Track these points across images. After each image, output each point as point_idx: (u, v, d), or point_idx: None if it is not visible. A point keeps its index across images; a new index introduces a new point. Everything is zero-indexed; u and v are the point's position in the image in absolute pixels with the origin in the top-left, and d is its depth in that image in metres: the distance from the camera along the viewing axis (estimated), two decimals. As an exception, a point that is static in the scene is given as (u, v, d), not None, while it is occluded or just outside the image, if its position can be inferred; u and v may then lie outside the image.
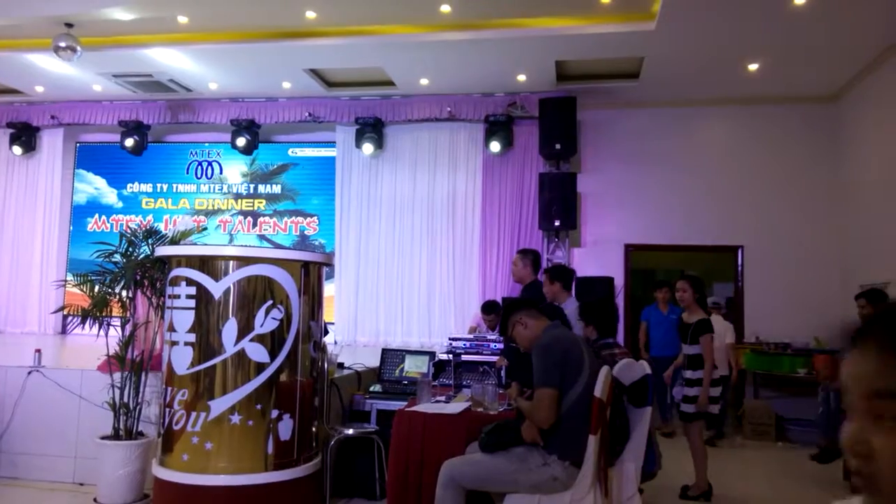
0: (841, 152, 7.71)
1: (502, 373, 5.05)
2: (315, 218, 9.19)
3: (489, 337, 5.75)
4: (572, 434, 2.95)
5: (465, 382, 4.92)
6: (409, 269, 8.59)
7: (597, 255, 8.20)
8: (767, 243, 7.82)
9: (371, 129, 8.58)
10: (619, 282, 7.94)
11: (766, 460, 5.43)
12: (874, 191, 6.95)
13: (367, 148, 8.62)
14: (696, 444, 4.76)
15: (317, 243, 9.13)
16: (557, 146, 7.75)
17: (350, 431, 4.38)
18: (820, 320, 7.36)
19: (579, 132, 8.14)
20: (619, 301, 7.64)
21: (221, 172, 9.45)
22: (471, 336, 5.84)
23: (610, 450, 3.20)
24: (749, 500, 4.85)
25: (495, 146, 8.25)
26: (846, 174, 7.62)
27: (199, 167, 9.49)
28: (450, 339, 5.88)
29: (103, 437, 4.30)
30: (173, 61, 7.72)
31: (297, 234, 9.21)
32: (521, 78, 7.83)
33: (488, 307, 6.43)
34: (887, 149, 6.67)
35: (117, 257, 4.54)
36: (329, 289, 8.61)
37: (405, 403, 3.86)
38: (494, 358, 5.32)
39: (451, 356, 5.29)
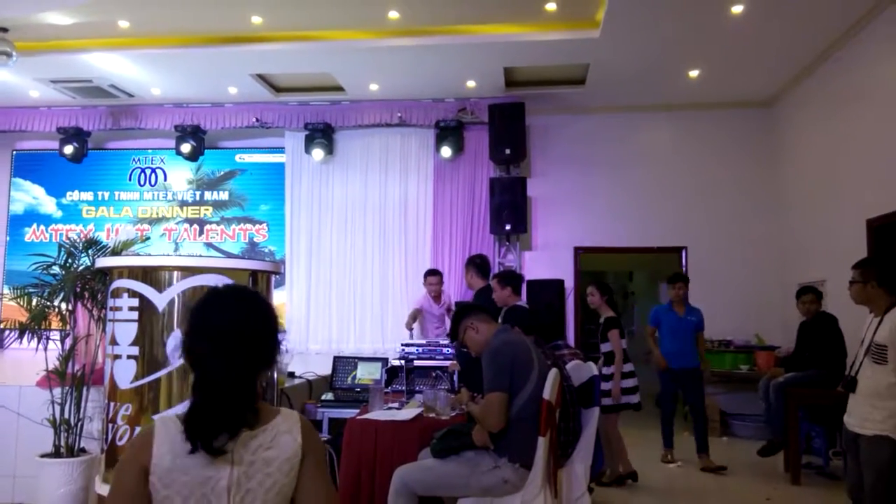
0: (778, 155, 8.02)
1: (455, 377, 5.08)
2: (264, 225, 9.06)
3: (441, 342, 5.77)
4: (522, 437, 2.99)
5: (417, 388, 4.92)
6: (362, 276, 8.55)
7: (547, 258, 8.32)
8: (710, 244, 8.07)
9: (321, 134, 8.51)
10: (570, 284, 8.07)
11: (711, 452, 5.61)
12: (809, 192, 7.25)
13: (317, 153, 8.55)
14: (611, 433, 5.15)
15: (266, 250, 8.99)
16: (507, 151, 7.84)
17: (302, 441, 4.33)
18: (760, 318, 7.64)
19: (528, 137, 8.26)
20: (570, 302, 7.77)
21: (166, 179, 9.22)
22: (423, 341, 5.86)
23: (561, 451, 3.25)
24: (698, 491, 5.00)
25: (446, 151, 8.30)
26: (783, 176, 7.93)
27: (143, 174, 9.24)
28: (402, 344, 5.89)
29: (43, 455, 4.14)
30: (114, 67, 7.51)
31: (246, 241, 9.05)
32: (471, 84, 7.90)
33: (432, 271, 6.97)
34: (820, 152, 6.97)
35: (56, 269, 4.39)
36: (280, 296, 8.50)
37: (357, 411, 3.85)
38: (447, 363, 5.35)
39: (403, 362, 5.29)
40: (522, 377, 3.06)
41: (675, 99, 8.13)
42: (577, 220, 8.35)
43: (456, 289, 8.03)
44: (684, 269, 8.22)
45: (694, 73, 7.38)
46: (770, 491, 4.96)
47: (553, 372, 3.14)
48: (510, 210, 7.78)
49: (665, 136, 8.46)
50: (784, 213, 7.86)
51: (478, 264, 5.65)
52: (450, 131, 8.29)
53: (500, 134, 7.87)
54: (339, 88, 8.15)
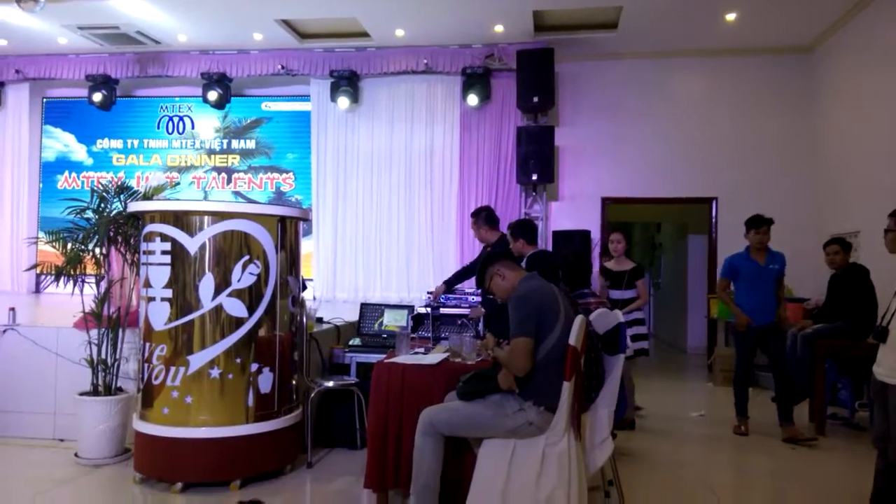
0: (815, 103, 7.76)
1: (479, 325, 5.13)
2: (291, 174, 9.09)
3: (466, 290, 5.80)
4: (547, 381, 3.02)
5: (443, 335, 4.98)
6: (388, 225, 8.58)
7: (574, 208, 8.25)
8: (741, 195, 7.91)
9: (346, 81, 8.43)
10: (596, 235, 8.01)
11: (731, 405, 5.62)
12: (846, 142, 7.03)
13: (343, 102, 8.48)
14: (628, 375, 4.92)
15: (293, 199, 9.05)
16: (535, 99, 7.70)
17: (330, 384, 4.44)
18: (793, 271, 7.47)
19: (557, 85, 8.08)
20: (595, 253, 7.72)
21: (193, 127, 9.26)
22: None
23: (585, 396, 3.28)
24: (720, 439, 5.04)
25: (473, 99, 8.17)
26: (820, 125, 7.68)
27: (171, 122, 9.29)
28: (428, 292, 5.94)
29: (82, 394, 4.31)
30: (140, 12, 7.47)
31: (273, 190, 9.11)
32: (499, 28, 7.71)
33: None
34: (859, 100, 6.72)
35: (89, 214, 4.47)
36: (307, 246, 8.58)
37: (384, 356, 3.91)
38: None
39: (429, 310, 5.35)
40: (549, 323, 3.07)
41: (710, 44, 7.87)
42: (605, 170, 8.22)
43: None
44: (713, 220, 8.10)
45: (731, 17, 7.11)
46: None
47: (579, 318, 3.14)
48: (537, 159, 7.68)
49: (699, 82, 8.22)
50: (820, 163, 7.65)
51: (484, 216, 5.38)
52: (476, 78, 8.15)
53: (528, 81, 7.71)
54: (365, 34, 8.02)
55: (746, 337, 5.20)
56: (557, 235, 7.75)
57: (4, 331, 4.78)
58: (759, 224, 5.19)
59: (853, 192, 6.76)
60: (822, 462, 4.53)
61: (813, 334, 5.31)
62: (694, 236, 9.60)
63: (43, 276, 8.35)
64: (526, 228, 5.09)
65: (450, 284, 5.58)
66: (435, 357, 3.79)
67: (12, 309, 4.96)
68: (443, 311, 5.40)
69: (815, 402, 5.30)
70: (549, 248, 7.68)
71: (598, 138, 8.25)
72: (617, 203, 8.37)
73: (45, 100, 9.53)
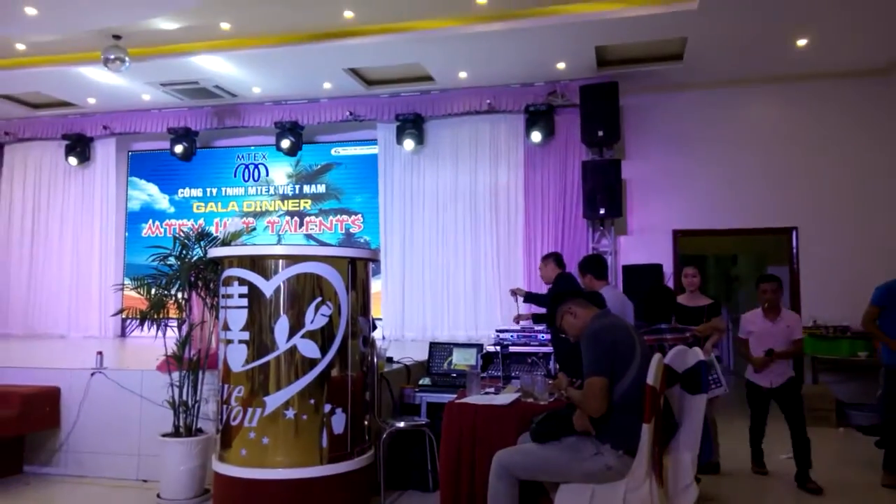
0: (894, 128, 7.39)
1: (550, 364, 5.03)
2: (360, 216, 9.29)
3: (536, 328, 5.73)
4: (625, 423, 2.92)
5: (513, 374, 4.91)
6: (454, 263, 8.61)
7: (644, 242, 8.07)
8: (822, 224, 7.56)
9: (411, 124, 8.61)
10: (668, 269, 7.79)
11: (825, 444, 5.25)
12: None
13: (408, 144, 8.66)
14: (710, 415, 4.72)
15: (362, 240, 9.23)
16: (600, 133, 7.64)
17: (401, 424, 4.42)
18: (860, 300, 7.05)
19: (622, 118, 8.01)
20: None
21: (268, 175, 9.63)
22: (518, 327, 5.83)
23: (663, 438, 3.15)
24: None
25: (536, 136, 8.19)
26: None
27: (246, 170, 9.70)
28: (497, 331, 5.89)
29: (164, 435, 4.44)
30: (217, 67, 7.90)
31: (343, 231, 9.32)
32: (561, 66, 7.74)
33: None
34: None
35: (172, 260, 4.67)
36: (376, 285, 8.71)
37: (455, 396, 3.88)
38: (543, 349, 5.30)
39: (498, 348, 5.30)
40: (624, 361, 2.98)
41: (781, 70, 7.64)
42: (675, 201, 8.03)
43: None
44: (794, 250, 7.75)
45: (802, 42, 6.90)
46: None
47: (657, 357, 3.04)
48: (603, 193, 7.58)
49: (770, 110, 7.98)
50: (907, 189, 7.24)
51: (555, 258, 5.52)
52: (540, 115, 8.17)
53: (591, 115, 7.67)
54: (429, 78, 8.21)
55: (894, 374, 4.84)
56: (628, 270, 7.58)
57: (93, 374, 5.01)
58: None
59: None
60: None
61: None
62: (773, 267, 9.20)
63: (128, 321, 8.77)
64: (593, 264, 5.02)
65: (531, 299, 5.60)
66: (507, 397, 3.73)
67: (100, 353, 5.20)
68: (512, 349, 5.34)
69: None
70: (620, 283, 7.51)
71: (666, 170, 8.09)
72: (688, 235, 8.14)
73: (130, 153, 10.15)
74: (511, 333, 5.72)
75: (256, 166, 9.68)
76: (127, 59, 7.04)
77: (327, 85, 8.47)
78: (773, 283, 4.93)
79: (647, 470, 2.88)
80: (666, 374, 3.15)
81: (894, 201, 7.38)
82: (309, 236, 9.40)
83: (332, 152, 9.44)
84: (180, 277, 4.58)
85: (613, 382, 2.95)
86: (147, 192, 10.04)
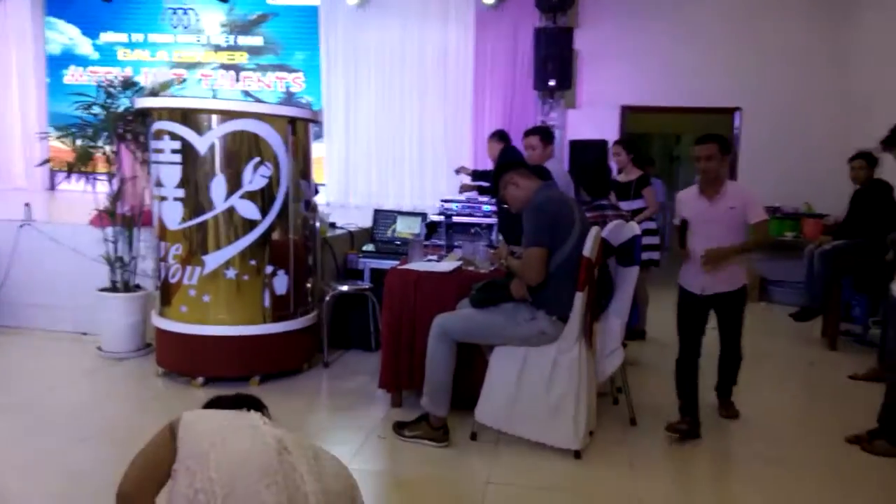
0: (845, 13, 7.34)
1: (493, 234, 5.11)
2: (300, 74, 8.82)
3: (481, 199, 5.74)
4: (560, 291, 3.03)
5: (456, 243, 4.97)
6: (401, 130, 8.39)
7: (591, 116, 8.00)
8: (765, 106, 7.63)
9: (358, -25, 8.01)
10: (613, 145, 7.82)
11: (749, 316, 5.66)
12: (880, 53, 6.70)
13: (353, -3, 8.09)
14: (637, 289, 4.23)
15: (304, 101, 8.83)
16: (554, -6, 7.27)
17: (345, 288, 4.49)
18: (815, 186, 7.34)
19: (578, -20, 7.64)
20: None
21: (198, 21, 8.91)
22: (462, 197, 5.83)
23: (595, 305, 3.30)
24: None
25: (489, -5, 7.77)
26: (850, 36, 7.30)
27: (175, 15, 8.94)
28: (442, 200, 5.89)
29: (102, 290, 4.38)
30: None
31: (283, 90, 8.88)
32: (521, -80, 7.23)
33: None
34: (892, 11, 6.34)
35: (97, 109, 4.39)
36: (319, 150, 8.45)
37: (398, 262, 3.92)
38: (487, 220, 5.35)
39: (443, 217, 5.32)
40: (563, 233, 3.04)
41: (745, -58, 7.35)
42: (626, 76, 7.90)
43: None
44: (736, 131, 7.88)
45: (772, -89, 6.61)
46: (811, 355, 5.04)
47: (594, 230, 3.11)
48: (555, 63, 7.38)
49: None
50: (850, 74, 7.32)
51: (500, 135, 5.51)
52: (494, -27, 7.71)
53: (548, -24, 7.28)
54: (379, -77, 7.55)
55: None
56: (575, 145, 7.57)
57: (21, 226, 4.82)
58: None
59: (882, 104, 6.51)
60: (833, 375, 4.59)
61: (831, 250, 5.27)
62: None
63: (57, 173, 8.34)
64: (542, 128, 5.01)
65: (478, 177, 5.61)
66: (448, 265, 3.79)
67: (27, 204, 4.97)
68: (456, 219, 5.37)
69: (830, 316, 5.33)
70: (566, 158, 7.53)
71: (618, 41, 7.87)
72: (636, 111, 8.11)
73: (45, -12, 9.16)
74: (456, 203, 5.72)
75: (186, 11, 8.91)
76: None
77: (266, -77, 7.70)
78: (710, 146, 3.48)
79: (578, 335, 3.04)
80: (602, 247, 3.24)
81: (838, 85, 7.47)
82: (247, 93, 8.92)
83: (269, 1, 8.74)
84: (107, 128, 4.32)
85: (552, 253, 3.02)
86: (67, 35, 9.19)
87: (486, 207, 5.53)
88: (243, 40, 8.87)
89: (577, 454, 3.03)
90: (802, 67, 7.59)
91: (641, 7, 7.80)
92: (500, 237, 4.74)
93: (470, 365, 3.33)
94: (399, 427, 3.24)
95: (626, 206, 5.27)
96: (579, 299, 3.02)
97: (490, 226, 5.24)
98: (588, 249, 3.02)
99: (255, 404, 1.67)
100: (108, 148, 4.40)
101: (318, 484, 1.48)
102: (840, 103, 7.44)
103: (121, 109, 4.37)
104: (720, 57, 7.71)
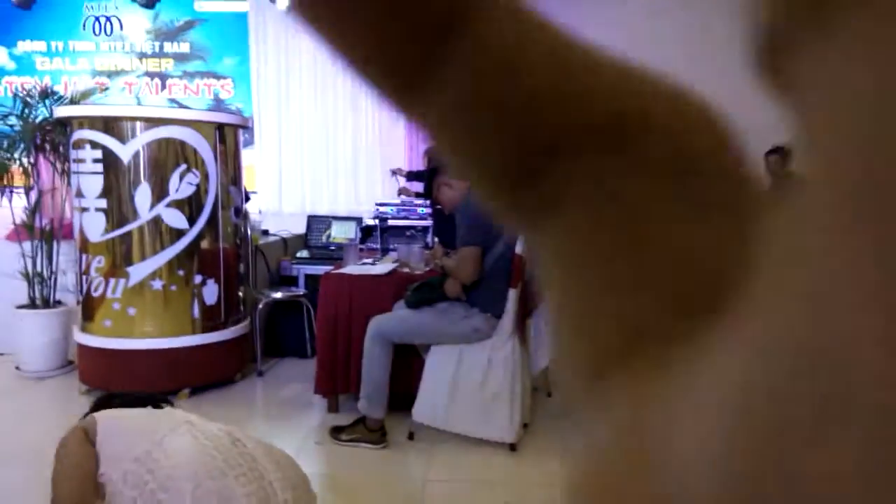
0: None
1: (428, 236, 5.15)
2: (229, 80, 8.66)
3: (416, 202, 5.78)
4: (494, 289, 3.09)
5: (391, 247, 4.99)
6: (334, 134, 8.34)
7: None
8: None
9: (287, -19, 7.93)
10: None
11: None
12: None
13: (282, 1, 8.01)
14: None
15: (233, 108, 8.67)
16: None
17: (278, 295, 4.43)
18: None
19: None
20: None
21: (122, 29, 8.64)
22: (398, 200, 5.86)
23: (528, 303, 3.37)
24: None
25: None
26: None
27: (97, 23, 8.63)
28: (377, 204, 5.89)
29: (20, 307, 4.19)
30: None
31: (212, 97, 8.69)
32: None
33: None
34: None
35: (13, 120, 4.21)
36: (250, 157, 8.31)
37: (332, 267, 3.90)
38: (422, 223, 5.39)
39: (377, 221, 5.33)
40: (496, 232, 3.10)
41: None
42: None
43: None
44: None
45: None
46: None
47: (526, 228, 3.19)
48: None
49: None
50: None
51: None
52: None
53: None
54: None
55: None
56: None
57: (-72, 242, 4.55)
58: None
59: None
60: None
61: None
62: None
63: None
64: None
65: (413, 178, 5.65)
66: (384, 267, 3.80)
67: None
68: (391, 222, 5.39)
69: None
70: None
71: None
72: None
73: (-48, -6, 8.70)
74: (391, 207, 5.74)
75: (108, 18, 8.63)
76: None
77: (189, -72, 7.55)
78: None
79: (512, 331, 3.10)
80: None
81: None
82: (173, 101, 8.69)
83: (196, 7, 8.56)
84: (24, 139, 4.15)
85: (485, 252, 3.07)
86: (-22, 43, 8.76)
87: (421, 210, 5.57)
88: (169, 47, 8.64)
89: (513, 447, 3.09)
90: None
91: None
92: (436, 239, 4.78)
93: (406, 366, 3.35)
94: (336, 431, 3.22)
95: None
96: (512, 296, 3.08)
97: (426, 228, 5.28)
98: (521, 247, 3.09)
99: (159, 401, 1.64)
100: (24, 160, 4.22)
101: (280, 472, 1.47)
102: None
103: (39, 119, 4.21)
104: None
